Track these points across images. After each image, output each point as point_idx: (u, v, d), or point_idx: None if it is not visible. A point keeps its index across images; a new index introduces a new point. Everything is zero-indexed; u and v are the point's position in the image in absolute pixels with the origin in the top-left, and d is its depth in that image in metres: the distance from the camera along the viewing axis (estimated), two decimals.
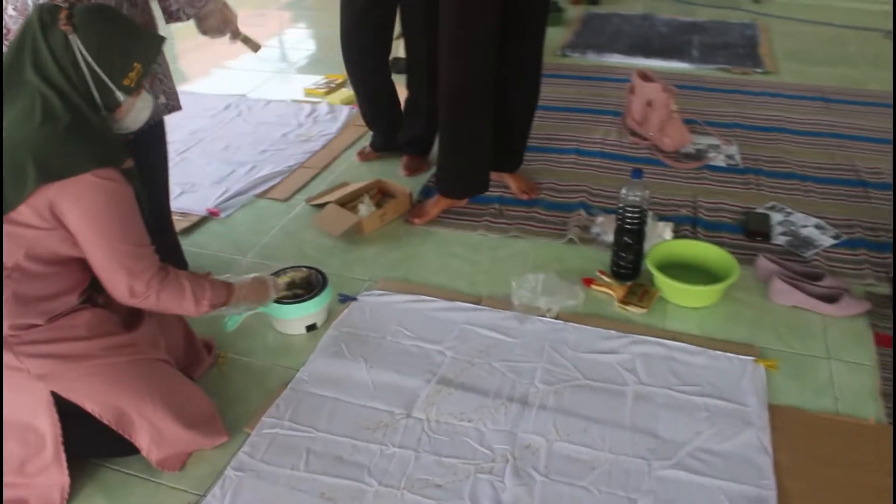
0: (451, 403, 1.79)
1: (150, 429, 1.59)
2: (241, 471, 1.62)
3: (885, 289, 2.19)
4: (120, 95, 1.52)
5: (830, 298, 2.09)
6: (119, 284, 1.52)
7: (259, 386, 1.88)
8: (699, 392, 1.80)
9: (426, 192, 2.79)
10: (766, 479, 1.57)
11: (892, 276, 2.20)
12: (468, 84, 2.36)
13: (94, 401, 1.54)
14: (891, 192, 2.73)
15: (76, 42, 1.44)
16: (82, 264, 1.53)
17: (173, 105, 2.06)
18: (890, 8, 5.00)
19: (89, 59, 1.45)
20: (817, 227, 2.50)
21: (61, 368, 1.51)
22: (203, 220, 2.64)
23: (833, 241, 2.42)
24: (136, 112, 1.60)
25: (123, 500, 1.58)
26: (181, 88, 2.11)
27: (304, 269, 2.12)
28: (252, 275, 1.85)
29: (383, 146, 3.06)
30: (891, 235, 2.45)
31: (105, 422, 1.55)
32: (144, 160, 1.88)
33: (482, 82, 2.37)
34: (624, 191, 2.15)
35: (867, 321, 2.06)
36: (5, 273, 1.44)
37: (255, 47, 2.33)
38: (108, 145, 1.49)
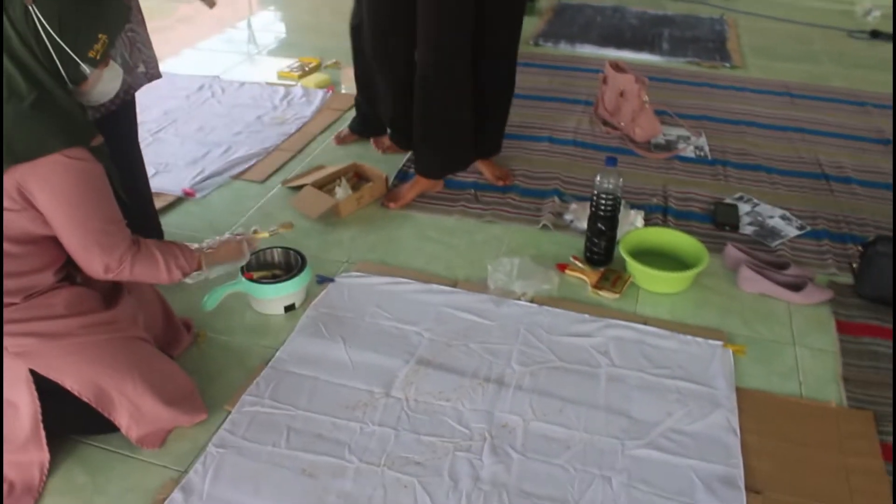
0: (429, 383, 1.82)
1: (130, 406, 1.60)
2: (222, 447, 1.64)
3: (847, 278, 2.26)
4: (86, 68, 1.48)
5: (795, 287, 2.16)
6: (93, 262, 1.51)
7: (238, 364, 1.89)
8: (670, 375, 1.86)
9: (402, 177, 2.81)
10: (734, 458, 1.63)
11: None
12: (443, 65, 2.39)
13: (74, 378, 1.53)
14: (852, 186, 2.82)
15: (36, 14, 1.39)
16: (55, 242, 1.52)
17: (153, 73, 2.04)
18: (852, 8, 5.14)
19: (51, 31, 1.40)
20: (783, 217, 2.57)
21: (40, 346, 1.51)
22: (179, 201, 2.63)
23: (798, 232, 2.49)
24: (103, 84, 1.56)
25: (105, 476, 1.59)
26: None
27: (281, 248, 2.14)
28: (225, 235, 1.83)
29: (362, 130, 3.06)
30: (852, 228, 2.53)
31: (85, 399, 1.55)
32: (115, 131, 1.88)
33: (457, 64, 2.40)
34: (598, 178, 2.19)
35: (830, 309, 2.13)
36: None
37: (210, 3, 2.33)
38: (75, 123, 1.46)
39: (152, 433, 1.65)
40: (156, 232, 2.26)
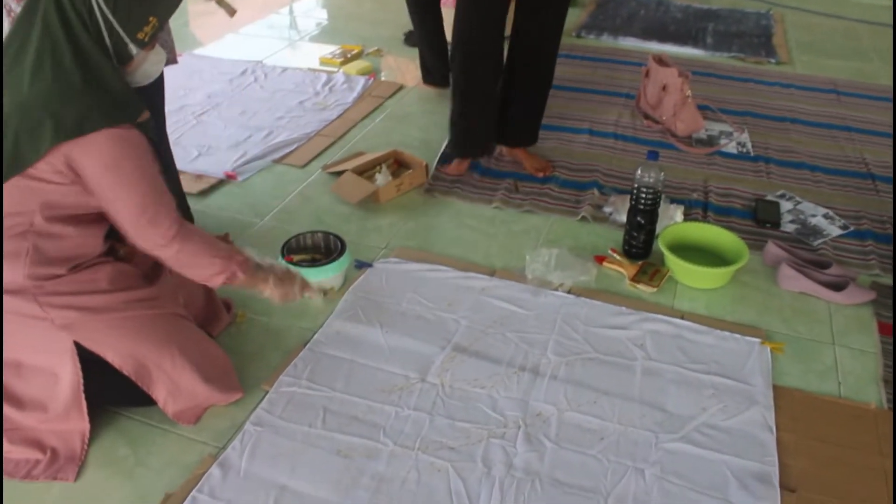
0: (465, 370, 1.83)
1: (168, 382, 1.63)
2: (259, 426, 1.66)
3: (890, 280, 2.23)
4: (133, 48, 1.50)
5: (837, 286, 2.13)
6: (147, 233, 1.51)
7: (277, 345, 1.92)
8: (706, 370, 1.85)
9: (444, 160, 2.81)
10: (769, 455, 1.62)
11: (893, 265, 2.24)
12: (469, 45, 2.44)
13: (115, 352, 1.57)
14: None
15: None
16: (102, 217, 1.54)
17: (169, 59, 2.05)
18: None
19: (105, 9, 1.42)
20: (825, 216, 2.53)
21: (83, 320, 1.55)
22: (221, 183, 2.66)
23: (841, 232, 2.45)
24: (147, 66, 1.58)
25: (146, 449, 1.62)
26: (196, 52, 2.08)
27: (322, 234, 2.16)
28: (275, 264, 1.77)
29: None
30: None
31: (125, 373, 1.58)
32: None
33: (485, 46, 2.44)
34: (639, 172, 2.18)
35: (872, 310, 2.10)
36: (25, 228, 1.47)
37: (231, 11, 2.33)
38: (123, 100, 1.47)
39: (188, 409, 1.67)
40: (185, 213, 2.26)
